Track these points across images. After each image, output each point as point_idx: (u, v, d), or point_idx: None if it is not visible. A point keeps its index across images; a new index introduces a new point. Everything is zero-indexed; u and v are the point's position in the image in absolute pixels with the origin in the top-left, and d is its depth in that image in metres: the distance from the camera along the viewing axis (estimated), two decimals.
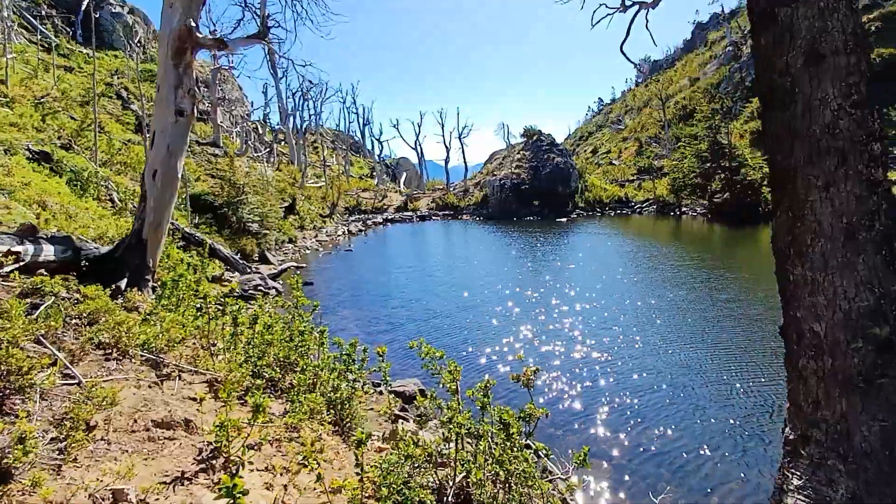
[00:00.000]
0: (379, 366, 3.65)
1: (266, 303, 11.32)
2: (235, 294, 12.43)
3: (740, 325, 10.33)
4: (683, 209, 34.35)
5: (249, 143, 31.77)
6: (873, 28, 36.32)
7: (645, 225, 30.90)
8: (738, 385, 7.54)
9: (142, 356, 3.02)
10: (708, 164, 30.48)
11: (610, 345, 9.47)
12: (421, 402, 3.51)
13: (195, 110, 5.49)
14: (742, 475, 5.29)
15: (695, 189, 32.04)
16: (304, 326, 4.68)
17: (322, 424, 3.94)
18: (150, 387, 2.69)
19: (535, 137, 41.92)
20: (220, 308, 4.07)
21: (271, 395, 4.39)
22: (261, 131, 42.53)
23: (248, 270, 15.13)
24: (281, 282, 15.36)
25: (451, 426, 2.97)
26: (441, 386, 3.38)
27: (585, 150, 63.57)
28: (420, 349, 3.47)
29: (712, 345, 9.34)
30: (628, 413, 6.79)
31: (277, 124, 43.26)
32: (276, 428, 3.05)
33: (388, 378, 3.74)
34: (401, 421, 5.22)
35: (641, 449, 5.91)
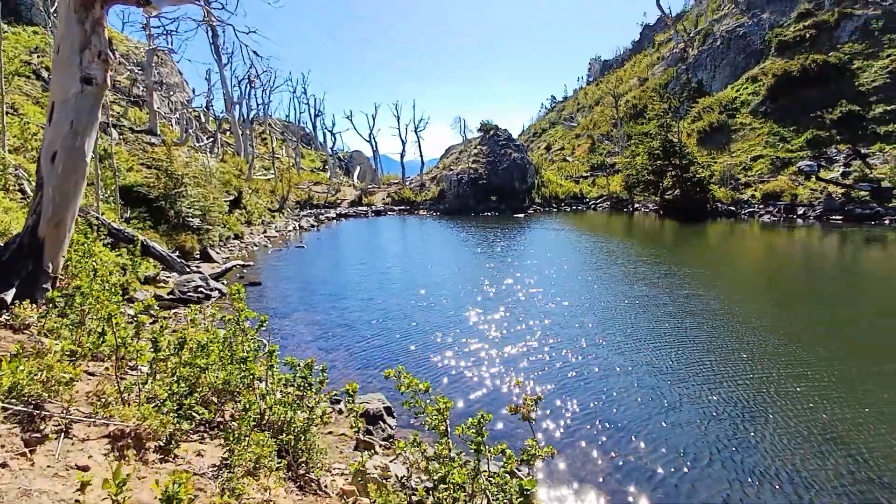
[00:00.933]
0: (350, 408, 2.87)
1: (205, 309, 10.15)
2: (171, 297, 11.16)
3: (703, 321, 10.25)
4: (636, 205, 35.02)
5: (191, 131, 29.54)
6: (807, 35, 38.23)
7: (600, 221, 31.22)
8: (705, 385, 7.31)
9: (5, 409, 2.11)
10: (659, 162, 31.12)
11: (574, 344, 9.08)
12: (401, 448, 2.78)
13: (108, 80, 4.43)
14: (727, 494, 4.89)
15: (647, 186, 32.68)
16: (249, 346, 3.83)
17: (271, 472, 3.12)
18: (4, 465, 1.81)
19: (491, 132, 41.61)
20: (135, 326, 3.15)
21: (205, 435, 3.52)
22: (203, 119, 39.94)
23: (188, 270, 13.76)
24: (225, 282, 14.08)
25: (444, 488, 2.28)
26: (426, 428, 2.68)
27: (539, 147, 64.06)
28: (400, 380, 2.75)
29: (676, 341, 9.18)
30: (598, 419, 6.36)
31: (222, 112, 40.71)
32: (207, 499, 2.23)
33: (360, 425, 2.97)
34: (367, 452, 4.45)
35: (615, 461, 5.44)
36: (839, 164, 27.93)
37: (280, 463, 3.00)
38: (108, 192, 14.85)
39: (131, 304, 9.64)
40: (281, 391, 3.89)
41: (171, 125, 30.36)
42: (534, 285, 13.64)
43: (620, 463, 5.42)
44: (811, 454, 5.49)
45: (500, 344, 9.16)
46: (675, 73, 48.85)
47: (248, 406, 2.87)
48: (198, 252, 16.31)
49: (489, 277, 14.75)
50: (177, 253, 14.63)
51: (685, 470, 5.27)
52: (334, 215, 34.69)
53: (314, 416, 3.82)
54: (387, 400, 6.33)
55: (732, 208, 29.58)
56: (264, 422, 3.81)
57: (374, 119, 50.40)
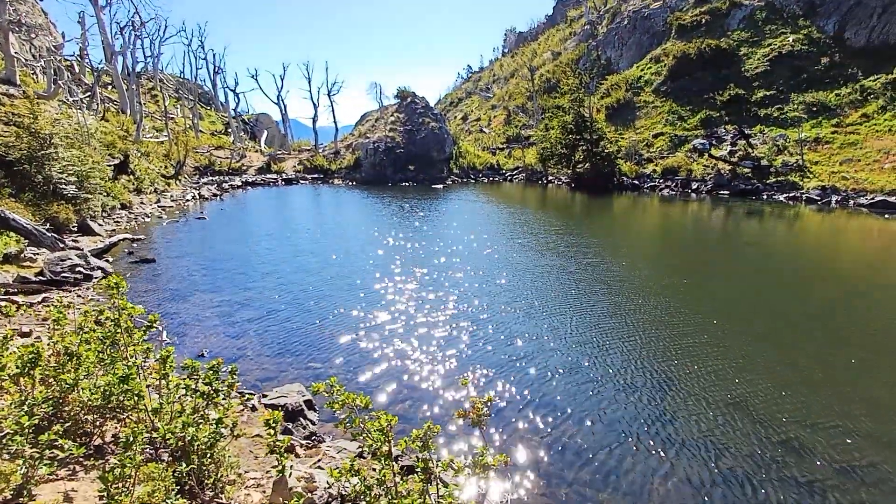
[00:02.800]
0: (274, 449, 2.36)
1: (84, 292, 8.73)
2: (41, 279, 9.50)
3: (608, 288, 10.83)
4: (550, 178, 36.11)
5: (61, 83, 25.42)
6: (703, 21, 40.95)
7: (516, 192, 31.81)
8: (607, 349, 7.69)
9: None
10: (572, 136, 32.11)
11: (488, 314, 9.20)
12: (336, 478, 2.33)
13: None
14: (626, 456, 5.04)
15: (560, 159, 33.68)
16: (136, 350, 3.12)
17: None
18: None
19: (409, 99, 40.48)
20: None
21: (77, 468, 2.82)
22: (78, 70, 34.74)
23: (62, 245, 11.88)
24: (111, 259, 12.38)
25: None
26: (366, 452, 2.27)
27: (456, 117, 63.69)
28: (333, 396, 2.29)
29: (582, 308, 9.64)
30: (506, 385, 6.48)
31: (101, 63, 35.53)
32: None
33: (284, 461, 2.46)
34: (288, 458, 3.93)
35: (522, 428, 5.51)
36: (727, 142, 30.58)
37: (178, 499, 2.44)
38: None
39: None
40: (179, 402, 3.25)
41: (36, 75, 25.98)
42: (452, 256, 13.52)
43: (543, 437, 5.38)
44: (712, 416, 5.83)
45: (417, 318, 8.90)
46: (585, 49, 50.37)
47: (131, 438, 2.25)
48: (75, 224, 14.19)
49: (407, 250, 14.37)
50: (47, 226, 12.57)
51: (586, 434, 5.40)
52: (240, 183, 32.11)
53: (223, 428, 3.25)
54: (306, 391, 5.78)
55: (636, 182, 31.45)
56: (158, 439, 3.17)
57: (282, 80, 46.92)
